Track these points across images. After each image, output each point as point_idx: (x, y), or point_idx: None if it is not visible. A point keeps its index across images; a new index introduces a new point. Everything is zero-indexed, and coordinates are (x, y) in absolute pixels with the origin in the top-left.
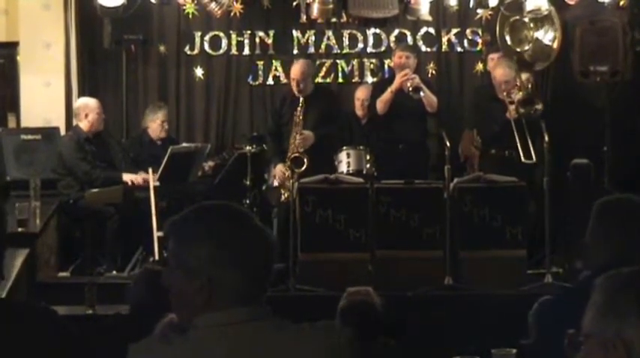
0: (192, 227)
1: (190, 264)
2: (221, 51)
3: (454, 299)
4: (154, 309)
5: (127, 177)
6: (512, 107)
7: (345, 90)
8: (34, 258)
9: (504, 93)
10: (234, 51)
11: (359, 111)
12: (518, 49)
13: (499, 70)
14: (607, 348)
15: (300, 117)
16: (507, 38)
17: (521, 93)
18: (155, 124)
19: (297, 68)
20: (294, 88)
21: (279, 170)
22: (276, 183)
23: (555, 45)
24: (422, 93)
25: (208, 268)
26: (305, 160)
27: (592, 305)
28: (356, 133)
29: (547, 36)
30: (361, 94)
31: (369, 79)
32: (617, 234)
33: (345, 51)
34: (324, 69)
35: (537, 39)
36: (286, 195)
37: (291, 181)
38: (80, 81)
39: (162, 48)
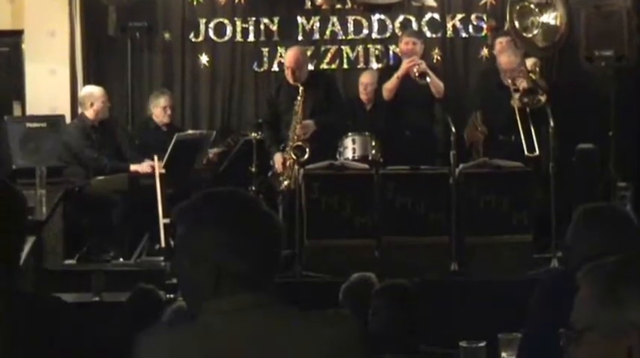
0: (201, 213)
1: (198, 250)
2: (226, 38)
3: (460, 284)
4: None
5: (135, 168)
6: (516, 96)
7: (350, 77)
8: (40, 245)
9: (509, 81)
10: (239, 38)
11: (363, 97)
12: (529, 35)
13: (503, 57)
14: (615, 338)
15: (301, 107)
16: (516, 24)
17: (525, 81)
18: (158, 110)
19: (291, 56)
20: (290, 77)
21: (278, 159)
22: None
23: (558, 22)
24: (428, 79)
25: (216, 254)
26: (307, 149)
27: (586, 299)
28: (360, 119)
29: (551, 16)
30: (365, 79)
31: (374, 65)
32: (597, 236)
33: (349, 37)
34: (329, 55)
35: (543, 23)
36: (286, 183)
37: (294, 169)
38: (85, 68)
39: (167, 35)
